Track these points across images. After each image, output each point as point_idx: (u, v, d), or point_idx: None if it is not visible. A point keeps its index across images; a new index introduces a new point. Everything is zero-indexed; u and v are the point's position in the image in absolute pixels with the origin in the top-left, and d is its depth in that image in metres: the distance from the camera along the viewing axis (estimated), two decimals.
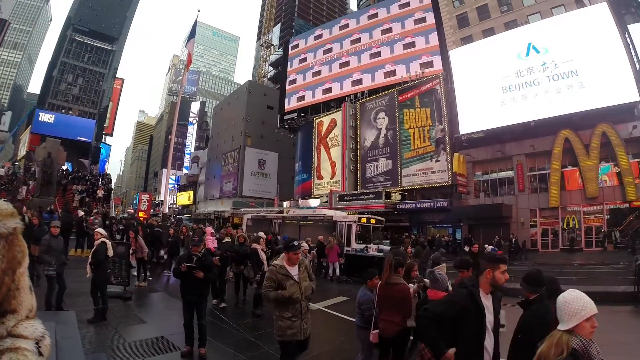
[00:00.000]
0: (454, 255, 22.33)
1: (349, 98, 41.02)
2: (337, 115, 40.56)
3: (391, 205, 32.11)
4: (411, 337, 4.97)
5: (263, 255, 9.33)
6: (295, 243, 4.62)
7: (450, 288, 4.69)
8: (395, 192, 33.36)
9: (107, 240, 7.88)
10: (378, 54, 41.31)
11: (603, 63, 26.04)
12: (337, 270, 15.90)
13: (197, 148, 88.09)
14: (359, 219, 21.17)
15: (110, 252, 7.93)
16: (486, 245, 12.05)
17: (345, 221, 21.04)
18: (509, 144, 29.21)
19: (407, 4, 40.33)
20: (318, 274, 15.87)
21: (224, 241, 11.44)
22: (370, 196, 33.10)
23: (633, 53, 26.23)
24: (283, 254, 4.58)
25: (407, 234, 28.20)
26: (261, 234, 11.14)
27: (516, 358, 3.18)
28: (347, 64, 44.23)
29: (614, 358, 3.46)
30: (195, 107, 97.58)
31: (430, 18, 38.05)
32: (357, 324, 5.28)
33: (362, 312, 5.09)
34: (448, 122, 31.98)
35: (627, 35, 26.65)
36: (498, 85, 29.64)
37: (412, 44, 38.61)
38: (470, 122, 30.57)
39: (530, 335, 3.01)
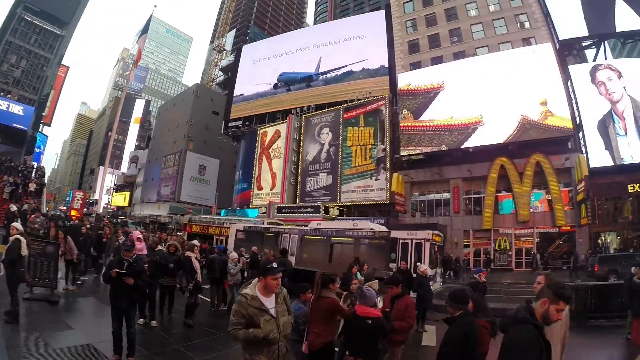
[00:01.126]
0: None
1: (295, 111, 40.64)
2: (282, 127, 40.01)
3: (329, 220, 31.74)
4: (336, 349, 4.97)
5: (197, 264, 8.88)
6: (275, 265, 3.67)
7: (379, 304, 4.89)
8: (333, 208, 33.20)
9: (21, 238, 7.30)
10: (329, 71, 41.32)
11: (544, 97, 28.15)
12: None
13: (137, 148, 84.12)
14: (432, 235, 15.49)
15: (24, 251, 7.30)
16: (418, 264, 11.73)
17: (411, 239, 15.70)
18: (447, 168, 30.46)
19: (363, 26, 40.86)
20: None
21: (157, 249, 9.78)
22: (309, 210, 32.78)
23: (571, 90, 28.45)
24: (255, 280, 3.65)
25: None
26: (195, 241, 10.39)
27: None
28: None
29: None
30: (139, 104, 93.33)
31: (383, 41, 38.67)
32: (291, 337, 4.87)
33: (297, 326, 4.89)
34: (390, 142, 32.47)
35: (569, 78, 28.91)
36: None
37: (363, 64, 38.93)
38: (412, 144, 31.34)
39: (454, 349, 3.30)
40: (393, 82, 35.02)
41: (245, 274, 12.13)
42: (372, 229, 17.30)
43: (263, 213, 36.70)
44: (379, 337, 4.48)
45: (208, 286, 10.52)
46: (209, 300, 10.64)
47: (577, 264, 22.96)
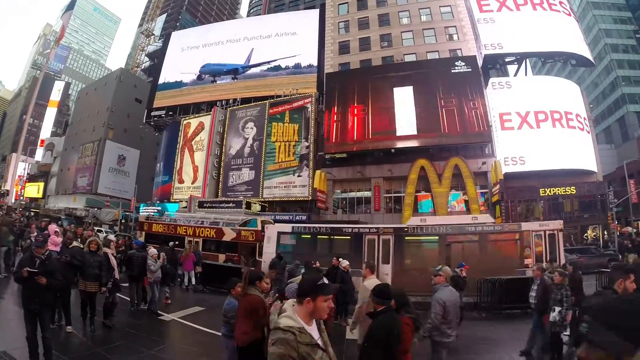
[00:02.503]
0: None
1: (221, 103, 39.16)
2: (206, 119, 38.36)
3: (251, 215, 30.94)
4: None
5: (114, 261, 8.32)
6: (325, 280, 2.61)
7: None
8: (255, 203, 32.35)
9: None
10: (258, 64, 40.35)
11: (466, 106, 29.76)
12: (193, 279, 15.20)
13: (53, 134, 77.09)
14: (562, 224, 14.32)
15: None
16: (340, 259, 11.43)
17: (543, 230, 14.11)
18: (369, 167, 31.11)
19: (296, 23, 40.46)
20: (173, 282, 14.68)
21: (71, 246, 8.25)
22: (231, 205, 31.57)
23: (491, 100, 30.38)
24: (288, 302, 2.62)
25: None
26: (112, 237, 9.61)
27: None
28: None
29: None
30: (59, 87, 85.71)
31: (314, 39, 38.45)
32: (223, 332, 5.23)
33: (228, 321, 5.06)
34: (314, 140, 32.29)
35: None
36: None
37: (294, 60, 38.43)
38: (336, 142, 31.46)
39: (376, 344, 3.42)
40: (321, 81, 35.10)
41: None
42: (494, 222, 15.46)
43: (184, 207, 35.07)
44: None
45: (127, 284, 10.06)
46: (128, 299, 10.06)
47: None
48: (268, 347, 2.37)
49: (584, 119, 32.27)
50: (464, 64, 31.39)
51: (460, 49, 34.21)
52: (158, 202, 41.58)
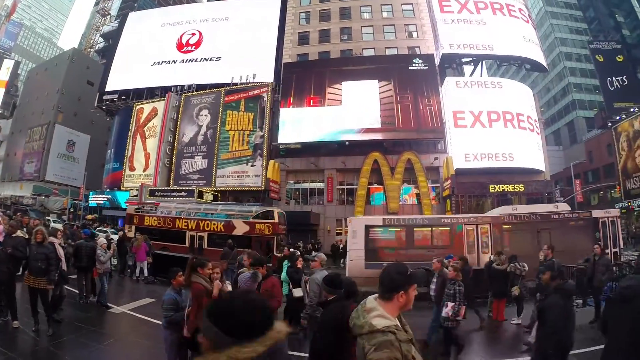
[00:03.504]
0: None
1: (175, 89, 37.81)
2: (160, 105, 36.96)
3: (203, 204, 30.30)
4: None
5: (61, 251, 7.58)
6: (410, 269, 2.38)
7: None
8: (208, 192, 31.64)
9: None
10: (216, 50, 39.32)
11: (421, 102, 30.54)
12: (145, 270, 14.55)
13: (0, 116, 72.52)
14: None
15: None
16: (291, 249, 11.49)
17: (607, 217, 15.29)
18: (323, 158, 31.10)
19: (257, 10, 39.51)
20: (123, 272, 15.23)
21: (14, 235, 7.31)
22: (183, 194, 31.01)
23: (446, 98, 31.04)
24: (370, 299, 2.32)
25: None
26: (58, 225, 8.81)
27: (314, 351, 3.69)
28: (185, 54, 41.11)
29: None
30: (7, 65, 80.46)
31: (274, 28, 37.83)
32: (162, 324, 5.10)
33: (164, 312, 4.97)
34: (269, 129, 31.85)
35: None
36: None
37: (251, 48, 37.66)
38: (291, 132, 31.17)
39: (328, 333, 3.51)
40: (278, 71, 34.54)
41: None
42: (570, 209, 16.10)
43: (134, 196, 33.75)
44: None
45: (75, 276, 9.68)
46: (77, 291, 9.65)
47: None
48: (368, 354, 2.11)
49: (535, 121, 33.42)
50: (421, 61, 31.90)
51: (419, 47, 34.66)
52: (108, 190, 39.96)
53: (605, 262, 8.91)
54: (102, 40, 61.67)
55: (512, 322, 9.36)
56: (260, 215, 20.10)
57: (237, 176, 32.05)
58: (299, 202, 31.56)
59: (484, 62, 37.41)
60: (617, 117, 39.10)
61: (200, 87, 37.11)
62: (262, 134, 31.76)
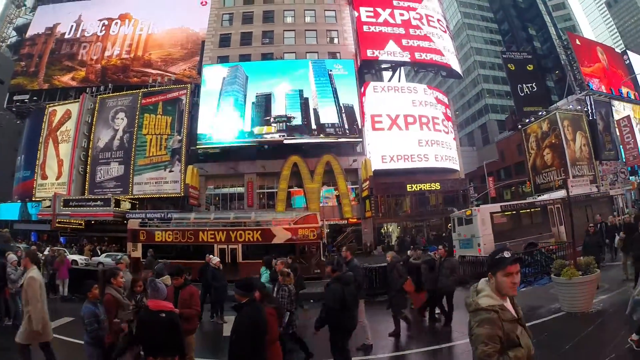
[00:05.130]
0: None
1: (91, 90, 36.05)
2: (74, 107, 34.92)
3: (120, 214, 29.27)
4: None
5: None
6: (506, 253, 2.54)
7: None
8: (125, 201, 30.48)
9: None
10: (135, 49, 38.02)
11: (340, 106, 31.48)
12: (66, 288, 13.52)
13: None
14: None
15: None
16: (211, 256, 11.48)
17: (619, 193, 20.12)
18: (242, 163, 31.02)
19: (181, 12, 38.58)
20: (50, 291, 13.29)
21: None
22: (99, 203, 29.97)
23: (362, 103, 32.20)
24: (482, 280, 2.61)
25: None
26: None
27: (232, 354, 3.68)
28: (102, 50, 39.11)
29: None
30: None
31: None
32: (85, 340, 4.98)
33: (85, 327, 4.87)
34: (187, 134, 31.28)
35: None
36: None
37: (172, 50, 36.88)
38: (210, 136, 30.82)
39: (243, 336, 3.60)
40: (198, 73, 34.00)
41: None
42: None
43: (47, 207, 31.60)
44: (176, 331, 4.10)
45: None
46: None
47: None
48: (472, 329, 2.41)
49: (450, 123, 35.55)
50: (341, 66, 32.69)
51: (340, 52, 35.54)
52: (19, 201, 37.09)
53: (451, 264, 9.04)
54: (15, 34, 56.93)
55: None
56: (301, 220, 19.14)
57: (155, 183, 31.19)
58: (219, 207, 31.20)
59: (402, 68, 39.05)
60: (527, 120, 42.18)
61: (117, 89, 35.67)
62: (180, 138, 31.10)
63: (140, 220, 21.52)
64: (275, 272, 8.35)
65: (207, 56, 35.02)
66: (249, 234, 18.25)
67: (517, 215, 19.10)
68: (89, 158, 33.63)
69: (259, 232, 18.28)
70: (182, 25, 38.11)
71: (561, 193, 20.67)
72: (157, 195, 31.05)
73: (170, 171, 30.78)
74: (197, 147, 30.39)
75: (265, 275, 8.81)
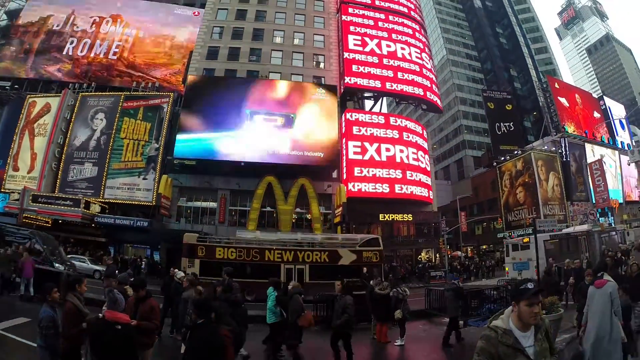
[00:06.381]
0: (153, 276, 23.25)
1: (73, 86, 35.79)
2: (54, 101, 34.54)
3: (89, 216, 29.11)
4: None
5: None
6: (530, 285, 2.70)
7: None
8: (95, 203, 30.23)
9: None
10: (122, 50, 38.12)
11: (319, 132, 31.80)
12: (31, 288, 13.36)
13: None
14: None
15: None
16: (175, 270, 11.56)
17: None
18: (217, 178, 31.16)
19: (172, 19, 39.02)
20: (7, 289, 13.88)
21: None
22: (68, 202, 29.41)
23: (344, 130, 32.87)
24: (509, 309, 2.76)
25: (102, 252, 27.67)
26: None
27: None
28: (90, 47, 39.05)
29: None
30: None
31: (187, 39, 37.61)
32: (38, 344, 4.97)
33: (41, 331, 4.86)
34: (165, 142, 31.40)
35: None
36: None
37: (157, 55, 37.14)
38: (187, 148, 30.71)
39: (197, 356, 3.52)
40: (182, 83, 34.36)
41: None
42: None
43: (15, 200, 31.09)
44: (130, 346, 4.13)
45: None
46: None
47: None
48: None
49: (427, 156, 36.57)
50: (324, 91, 33.38)
51: (324, 77, 36.37)
52: None
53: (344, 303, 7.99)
54: (6, 17, 55.77)
55: (395, 343, 10.10)
56: (365, 244, 19.85)
57: (128, 188, 31.06)
58: (189, 220, 31.20)
59: (384, 98, 40.11)
60: (502, 158, 43.85)
61: (100, 88, 35.63)
62: (157, 146, 31.16)
63: (197, 234, 21.01)
64: (285, 294, 8.57)
65: (192, 67, 35.34)
66: (316, 254, 18.66)
67: (558, 243, 22.27)
68: (63, 155, 33.25)
69: (327, 253, 18.78)
70: (169, 33, 38.41)
71: (584, 227, 23.77)
72: (129, 202, 30.87)
73: (144, 178, 30.72)
74: (174, 157, 30.37)
75: (272, 297, 8.31)
